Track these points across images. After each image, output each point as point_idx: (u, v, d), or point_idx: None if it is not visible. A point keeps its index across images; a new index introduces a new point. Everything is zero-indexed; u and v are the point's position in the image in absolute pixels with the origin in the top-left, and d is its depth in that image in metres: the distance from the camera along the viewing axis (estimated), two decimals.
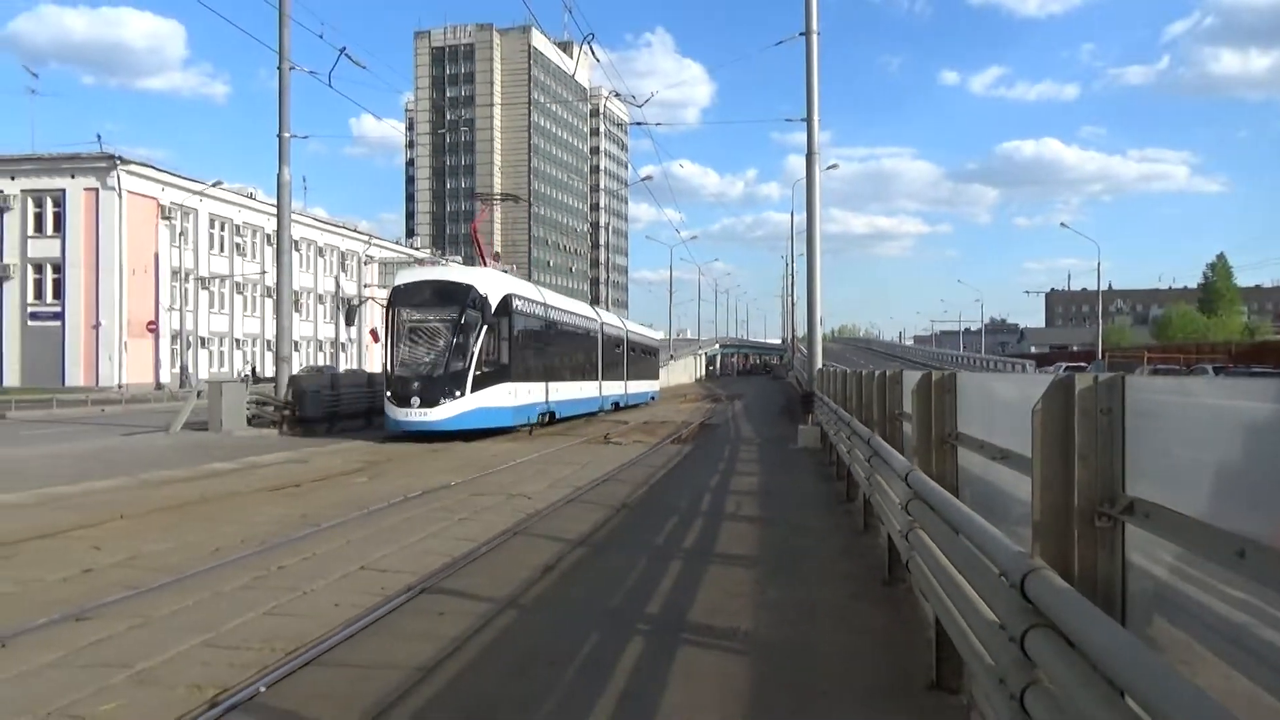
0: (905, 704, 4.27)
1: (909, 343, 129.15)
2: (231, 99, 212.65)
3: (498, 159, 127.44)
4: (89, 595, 6.07)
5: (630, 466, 14.40)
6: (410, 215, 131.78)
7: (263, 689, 4.34)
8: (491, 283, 19.96)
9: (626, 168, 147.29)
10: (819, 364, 20.93)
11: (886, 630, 5.42)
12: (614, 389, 32.31)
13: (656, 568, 7.11)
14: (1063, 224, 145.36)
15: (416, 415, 18.24)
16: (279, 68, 21.14)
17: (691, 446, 18.48)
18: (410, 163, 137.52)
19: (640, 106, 27.22)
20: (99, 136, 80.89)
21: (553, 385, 23.65)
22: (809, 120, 20.53)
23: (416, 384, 18.45)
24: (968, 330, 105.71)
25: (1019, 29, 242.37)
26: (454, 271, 24.03)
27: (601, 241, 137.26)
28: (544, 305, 24.08)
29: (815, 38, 20.13)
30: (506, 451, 16.86)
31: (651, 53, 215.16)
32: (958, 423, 5.14)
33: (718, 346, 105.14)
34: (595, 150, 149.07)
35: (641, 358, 39.17)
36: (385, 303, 20.60)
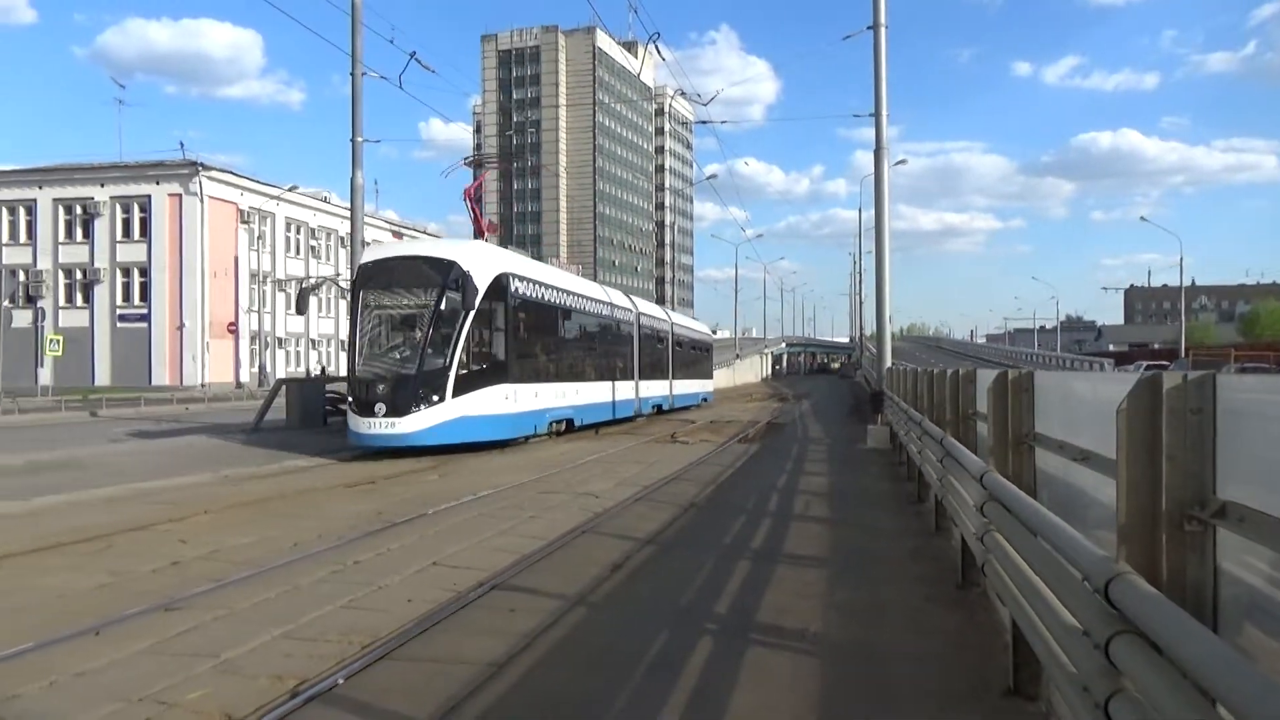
0: (981, 710, 4.18)
1: (981, 341, 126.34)
2: (306, 105, 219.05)
3: (563, 160, 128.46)
4: (176, 587, 6.31)
5: (697, 466, 14.38)
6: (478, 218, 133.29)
7: (341, 681, 4.45)
8: (480, 259, 16.21)
9: (691, 166, 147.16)
10: (888, 363, 20.62)
11: (960, 634, 5.31)
12: (654, 390, 28.80)
13: (725, 567, 7.09)
14: (1142, 218, 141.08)
15: (381, 426, 14.65)
16: (352, 73, 21.60)
17: (758, 446, 18.36)
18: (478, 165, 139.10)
19: (705, 105, 27.15)
20: (181, 144, 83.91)
21: (569, 387, 20.26)
22: (877, 115, 20.22)
23: (382, 387, 14.86)
24: (1042, 328, 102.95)
25: (1095, 17, 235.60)
26: (432, 246, 19.49)
27: (667, 240, 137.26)
28: (557, 290, 20.22)
29: (883, 31, 19.82)
30: (572, 450, 16.98)
31: (716, 50, 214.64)
32: (1035, 423, 5.01)
33: (784, 345, 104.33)
34: (660, 149, 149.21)
35: (690, 355, 35.60)
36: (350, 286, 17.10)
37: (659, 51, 23.58)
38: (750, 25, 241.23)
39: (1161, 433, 2.60)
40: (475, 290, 15.26)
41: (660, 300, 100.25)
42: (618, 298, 26.81)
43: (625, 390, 25.19)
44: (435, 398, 14.81)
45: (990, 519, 4.55)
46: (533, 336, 18.54)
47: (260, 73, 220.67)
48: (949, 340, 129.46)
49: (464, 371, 15.21)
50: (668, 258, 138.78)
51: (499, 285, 16.34)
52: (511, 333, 16.81)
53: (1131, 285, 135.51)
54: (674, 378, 31.42)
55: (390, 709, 4.19)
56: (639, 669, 4.73)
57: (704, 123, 28.51)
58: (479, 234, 20.10)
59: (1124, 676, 2.37)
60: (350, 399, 15.62)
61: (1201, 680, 1.90)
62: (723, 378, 61.99)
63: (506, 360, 16.55)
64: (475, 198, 20.52)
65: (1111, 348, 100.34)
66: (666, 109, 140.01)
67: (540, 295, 18.78)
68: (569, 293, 21.13)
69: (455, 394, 15.00)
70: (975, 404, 7.39)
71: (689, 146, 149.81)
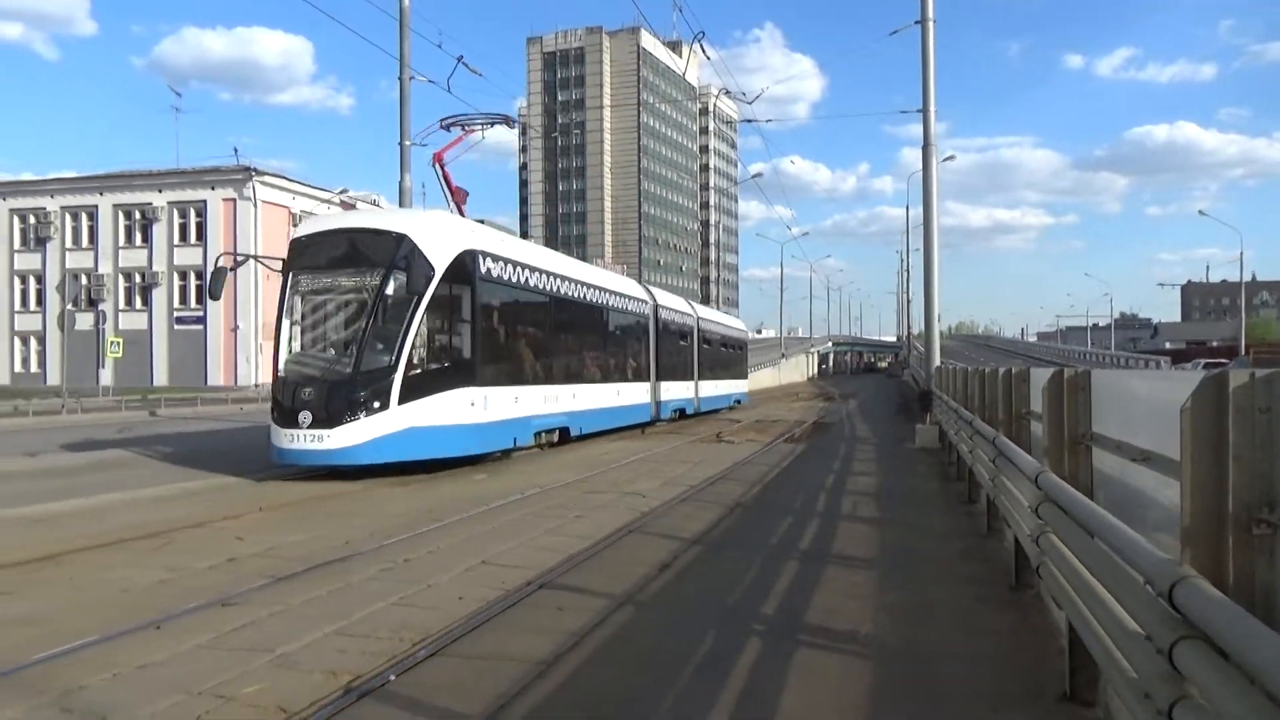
0: (1036, 714, 4.11)
1: (1032, 339, 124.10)
2: (355, 110, 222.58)
3: (608, 160, 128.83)
4: (233, 583, 6.44)
5: (743, 465, 14.32)
6: (524, 218, 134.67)
7: (393, 678, 4.51)
8: (438, 233, 13.20)
9: (736, 165, 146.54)
10: (937, 362, 20.35)
11: (1014, 637, 5.22)
12: (676, 392, 25.40)
13: (772, 568, 7.05)
14: (1200, 212, 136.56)
15: (306, 440, 11.81)
16: (400, 77, 21.86)
17: (805, 446, 18.24)
18: (523, 166, 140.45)
19: (750, 103, 27.01)
20: (235, 150, 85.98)
21: (563, 390, 17.21)
22: (925, 111, 19.95)
23: (309, 391, 12.07)
24: (1095, 326, 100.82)
25: (1149, 7, 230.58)
26: (379, 216, 16.20)
27: (711, 240, 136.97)
28: (546, 274, 16.87)
29: (931, 26, 19.54)
30: (618, 450, 17.01)
31: (760, 49, 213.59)
32: (1092, 422, 4.91)
33: (830, 344, 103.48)
34: (705, 149, 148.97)
35: (720, 354, 32.06)
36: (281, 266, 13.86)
37: (703, 50, 23.54)
38: (794, 22, 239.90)
39: (1228, 432, 2.53)
40: (431, 271, 12.48)
41: (705, 300, 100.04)
42: (630, 287, 23.67)
43: (638, 392, 22.25)
44: (376, 404, 11.94)
45: (1046, 520, 4.47)
46: (511, 329, 15.60)
47: (311, 79, 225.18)
48: (999, 339, 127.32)
49: (416, 372, 12.39)
50: (712, 257, 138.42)
51: (464, 266, 13.28)
52: (481, 324, 13.80)
53: (1189, 281, 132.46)
54: (700, 378, 28.16)
55: (441, 706, 4.23)
56: (687, 669, 4.72)
57: (749, 121, 28.41)
58: (459, 208, 16.67)
59: (1188, 682, 2.31)
60: (271, 406, 12.68)
61: (1271, 686, 1.84)
62: (767, 377, 61.70)
63: (473, 358, 13.58)
64: (445, 162, 16.57)
65: (1168, 345, 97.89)
66: (711, 108, 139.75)
67: (522, 279, 15.63)
68: (562, 278, 17.83)
69: (403, 399, 12.14)
70: (1029, 403, 7.26)
71: (733, 145, 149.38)
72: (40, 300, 51.85)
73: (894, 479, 12.84)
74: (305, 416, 11.86)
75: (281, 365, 12.73)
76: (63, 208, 50.63)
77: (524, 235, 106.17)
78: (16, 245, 51.89)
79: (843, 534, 8.67)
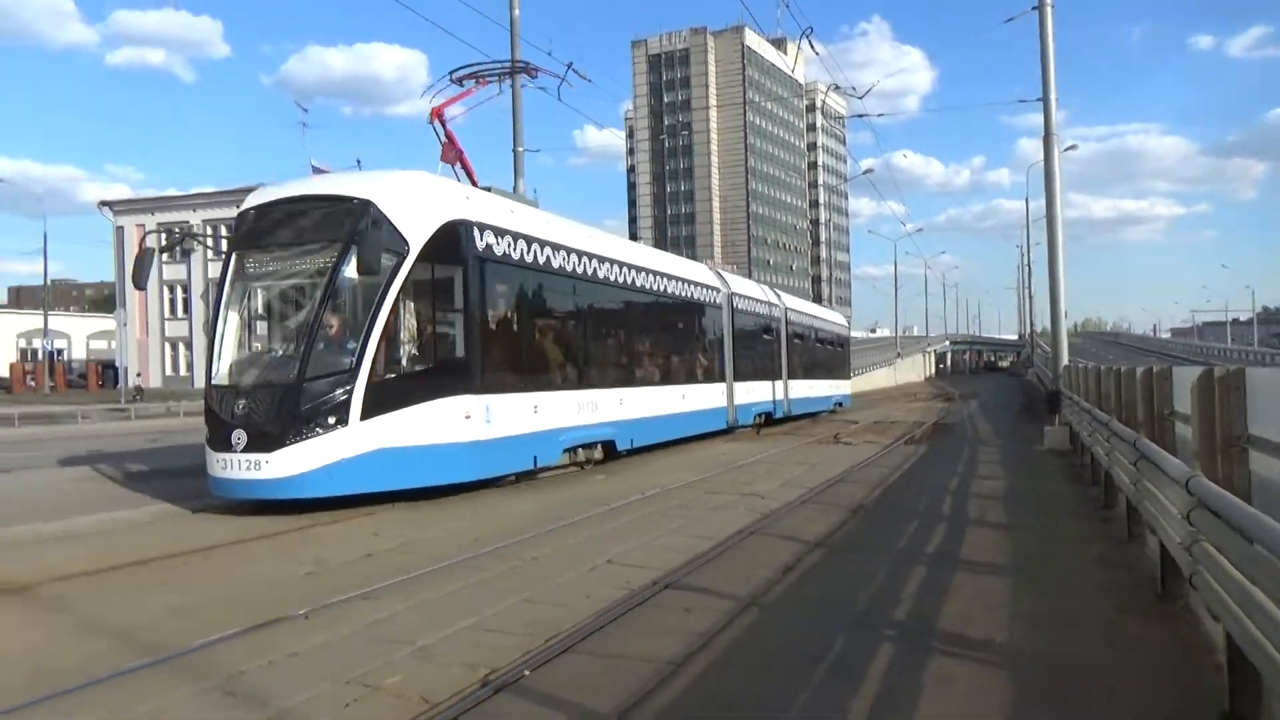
0: None
1: (1165, 335, 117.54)
2: (467, 118, 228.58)
3: (715, 160, 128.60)
4: (372, 577, 6.73)
5: (863, 468, 14.07)
6: (632, 220, 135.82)
7: (527, 673, 4.63)
8: (414, 199, 10.46)
9: (845, 161, 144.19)
10: (1065, 360, 19.50)
11: (1162, 649, 4.98)
12: (757, 394, 22.22)
13: (899, 572, 6.92)
14: None
15: (241, 467, 9.33)
16: (511, 86, 22.39)
17: (926, 447, 17.78)
18: (631, 169, 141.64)
19: (860, 99, 26.46)
20: (358, 161, 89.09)
21: (603, 396, 14.09)
22: (1045, 99, 19.14)
23: (243, 403, 9.57)
24: (1236, 320, 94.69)
25: None
26: (340, 180, 11.24)
27: (821, 238, 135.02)
28: (574, 253, 13.56)
29: (1049, 10, 18.73)
30: (734, 451, 16.97)
31: (868, 42, 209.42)
32: (1248, 424, 4.64)
33: (948, 343, 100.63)
34: (813, 146, 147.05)
35: (815, 350, 29.09)
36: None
37: (811, 46, 23.20)
38: (903, 14, 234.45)
39: None
40: (404, 246, 9.92)
41: (817, 299, 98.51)
42: (696, 271, 20.29)
43: (709, 395, 19.08)
44: (330, 419, 9.36)
45: (1199, 527, 4.25)
46: (527, 321, 12.58)
47: (425, 91, 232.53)
48: (1129, 335, 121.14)
49: (386, 377, 9.85)
50: (823, 255, 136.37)
51: (452, 240, 10.58)
52: (480, 314, 11.06)
53: None
54: (790, 378, 25.05)
55: (575, 701, 4.32)
56: (817, 672, 4.69)
57: (859, 116, 27.70)
58: (468, 174, 13.71)
59: None
60: (206, 421, 9.99)
61: None
62: (882, 377, 60.47)
63: (469, 357, 10.82)
64: (446, 119, 13.70)
65: None
66: (819, 105, 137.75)
67: (541, 259, 12.56)
68: (600, 259, 14.45)
69: (368, 412, 9.52)
70: (1171, 403, 6.90)
71: (843, 141, 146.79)
72: (186, 308, 55.83)
73: (1022, 482, 12.39)
74: (239, 437, 9.31)
75: (215, 370, 10.21)
76: (204, 220, 53.93)
77: (633, 237, 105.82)
78: (164, 257, 55.65)
79: (971, 538, 8.42)
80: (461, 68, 14.31)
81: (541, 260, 12.58)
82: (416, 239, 10.08)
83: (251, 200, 10.84)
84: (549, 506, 10.27)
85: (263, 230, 10.40)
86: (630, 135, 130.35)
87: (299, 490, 9.36)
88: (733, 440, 19.43)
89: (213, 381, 10.13)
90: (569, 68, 23.07)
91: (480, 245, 11.06)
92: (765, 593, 6.26)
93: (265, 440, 9.27)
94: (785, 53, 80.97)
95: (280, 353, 10.30)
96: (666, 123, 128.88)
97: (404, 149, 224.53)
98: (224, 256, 11.01)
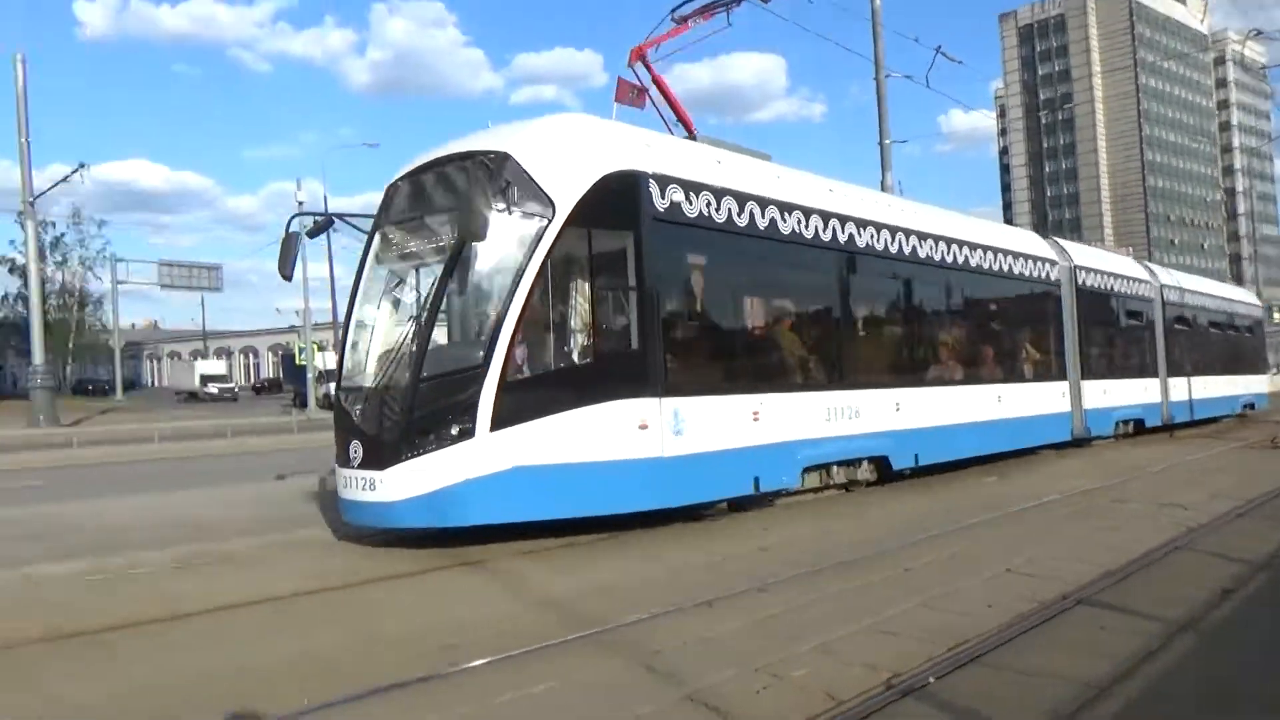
0: None
1: None
2: (827, 116, 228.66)
3: (1101, 133, 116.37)
4: (765, 572, 6.94)
5: None
6: (1007, 206, 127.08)
7: (931, 680, 4.51)
8: (564, 148, 8.50)
9: (1268, 119, 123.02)
10: None
11: None
12: (1119, 395, 17.73)
13: None
14: None
15: (357, 487, 7.86)
16: (875, 78, 21.99)
17: None
18: (1004, 151, 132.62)
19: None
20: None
21: (868, 399, 11.10)
22: None
23: (360, 407, 8.26)
24: None
25: None
26: (481, 136, 8.98)
27: (1240, 210, 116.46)
28: (811, 214, 10.59)
29: None
30: (1141, 456, 15.22)
31: None
32: None
33: None
34: (1224, 104, 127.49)
35: (1211, 337, 23.75)
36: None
37: None
38: None
39: None
40: (549, 208, 7.89)
41: (1238, 280, 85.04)
42: (1018, 239, 16.35)
43: (1042, 397, 15.22)
44: (452, 429, 7.56)
45: None
46: (735, 302, 10.23)
47: (784, 93, 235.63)
48: None
49: (526, 375, 7.95)
50: (1242, 230, 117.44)
51: (620, 197, 8.45)
52: (661, 292, 8.71)
53: None
54: (1170, 374, 20.22)
55: (985, 715, 4.15)
56: None
57: None
58: (682, 121, 11.36)
59: None
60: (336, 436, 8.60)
61: None
62: None
63: (645, 349, 8.51)
64: (650, 60, 11.48)
65: None
66: (1229, 56, 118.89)
67: (761, 222, 9.93)
68: (858, 221, 11.36)
69: (501, 421, 7.57)
70: None
71: (1268, 96, 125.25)
72: None
73: None
74: (356, 449, 7.90)
75: (343, 369, 9.08)
76: None
77: (1008, 224, 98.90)
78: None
79: None
80: (685, 3, 12.10)
81: (763, 225, 9.90)
82: (567, 197, 7.96)
83: (404, 169, 9.13)
84: (936, 511, 9.97)
85: (395, 206, 8.88)
86: (1002, 115, 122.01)
87: (413, 518, 7.71)
88: (1140, 445, 17.38)
89: (340, 386, 8.97)
90: (938, 51, 22.26)
91: (662, 204, 8.72)
92: (1201, 618, 5.53)
93: (379, 454, 7.70)
94: (1184, 3, 71.02)
95: (399, 347, 8.24)
96: (1043, 97, 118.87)
97: (766, 150, 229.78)
98: (365, 240, 9.40)
